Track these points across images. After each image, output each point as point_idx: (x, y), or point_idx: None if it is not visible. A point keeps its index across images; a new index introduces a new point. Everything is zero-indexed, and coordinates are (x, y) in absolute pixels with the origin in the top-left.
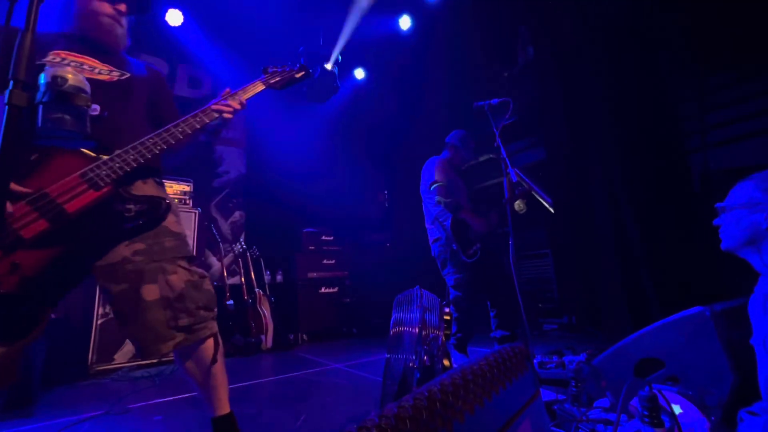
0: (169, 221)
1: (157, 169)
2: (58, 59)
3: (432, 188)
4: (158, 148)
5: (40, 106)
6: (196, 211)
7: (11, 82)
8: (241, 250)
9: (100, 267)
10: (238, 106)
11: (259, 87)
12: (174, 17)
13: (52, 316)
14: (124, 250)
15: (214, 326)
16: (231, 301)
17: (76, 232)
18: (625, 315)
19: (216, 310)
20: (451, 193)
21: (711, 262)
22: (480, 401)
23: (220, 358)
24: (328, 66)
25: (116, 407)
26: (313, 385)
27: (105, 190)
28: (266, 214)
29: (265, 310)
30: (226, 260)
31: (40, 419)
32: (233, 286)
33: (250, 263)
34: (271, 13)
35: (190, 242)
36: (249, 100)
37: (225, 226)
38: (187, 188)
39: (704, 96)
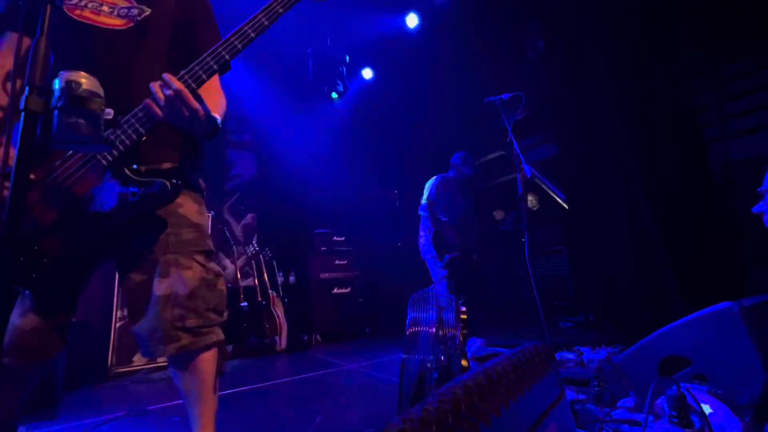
0: (190, 210)
1: (184, 137)
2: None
3: (423, 202)
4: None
5: (56, 112)
6: (210, 215)
7: (27, 88)
8: (254, 252)
9: (123, 256)
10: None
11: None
12: None
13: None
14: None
15: (220, 333)
16: (245, 303)
17: (88, 217)
18: (645, 312)
19: (225, 314)
20: (439, 212)
21: (735, 255)
22: (505, 403)
23: (218, 370)
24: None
25: (135, 409)
26: (328, 385)
27: (105, 172)
28: (278, 216)
29: (279, 311)
30: (240, 262)
31: (64, 420)
32: (247, 288)
33: (263, 265)
34: None
35: None
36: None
37: (238, 229)
38: None
39: (723, 85)
